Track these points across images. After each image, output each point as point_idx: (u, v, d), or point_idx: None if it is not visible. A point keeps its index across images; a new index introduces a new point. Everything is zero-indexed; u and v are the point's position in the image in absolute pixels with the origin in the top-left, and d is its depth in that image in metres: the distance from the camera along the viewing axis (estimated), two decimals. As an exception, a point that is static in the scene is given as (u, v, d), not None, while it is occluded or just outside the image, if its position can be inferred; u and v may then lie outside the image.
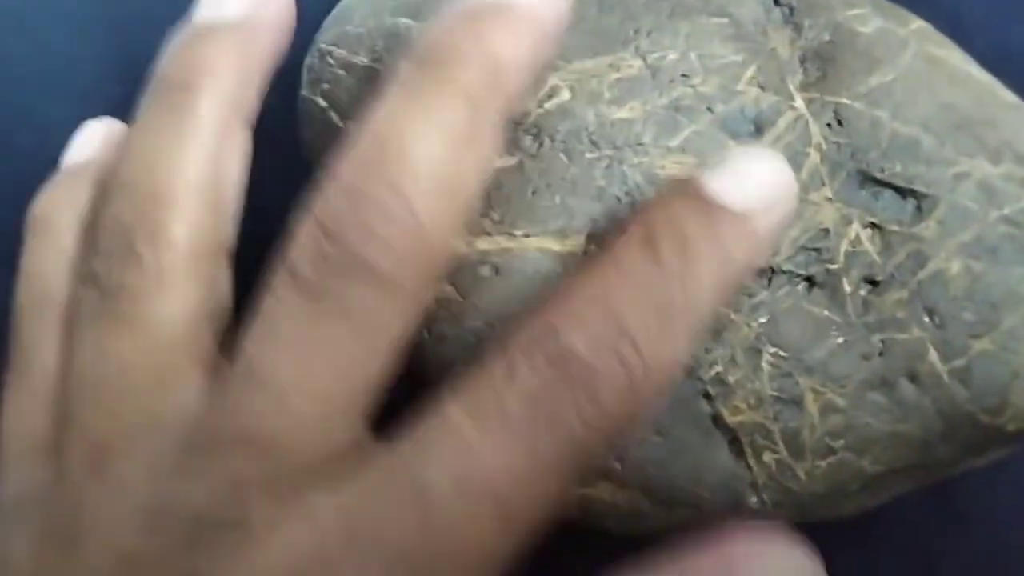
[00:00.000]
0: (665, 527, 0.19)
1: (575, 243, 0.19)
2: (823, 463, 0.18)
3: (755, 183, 0.17)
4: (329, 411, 0.16)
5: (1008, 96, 0.20)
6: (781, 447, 0.18)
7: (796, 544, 0.15)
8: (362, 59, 0.20)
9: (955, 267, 0.18)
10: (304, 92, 0.21)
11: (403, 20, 0.20)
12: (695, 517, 0.19)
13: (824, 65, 0.20)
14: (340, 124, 0.21)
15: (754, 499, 0.18)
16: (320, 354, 0.16)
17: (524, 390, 0.15)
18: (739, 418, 0.18)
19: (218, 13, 0.20)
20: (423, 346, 0.19)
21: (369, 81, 0.20)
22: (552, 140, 0.19)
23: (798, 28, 0.20)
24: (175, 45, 0.20)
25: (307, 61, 0.22)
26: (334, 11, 0.22)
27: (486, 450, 0.15)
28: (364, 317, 0.16)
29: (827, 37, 0.20)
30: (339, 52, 0.21)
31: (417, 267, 0.17)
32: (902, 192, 0.19)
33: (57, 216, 0.20)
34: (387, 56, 0.20)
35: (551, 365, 0.15)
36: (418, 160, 0.16)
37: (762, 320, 0.18)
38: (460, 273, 0.19)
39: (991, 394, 0.18)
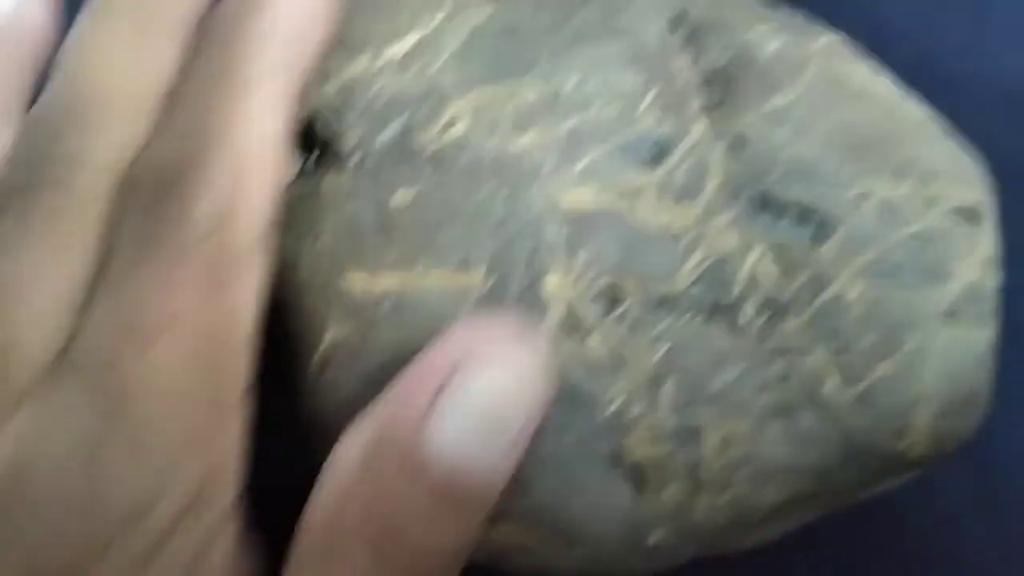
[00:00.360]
0: (573, 566, 0.19)
1: (476, 275, 0.18)
2: (725, 495, 0.18)
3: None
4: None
5: (915, 112, 0.20)
6: (682, 481, 0.18)
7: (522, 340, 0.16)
8: None
9: (855, 290, 0.18)
10: None
11: None
12: (599, 556, 0.18)
13: (726, 87, 0.19)
14: None
15: (655, 534, 0.18)
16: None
17: None
18: (640, 453, 0.18)
19: None
20: (320, 387, 0.19)
21: None
22: (451, 171, 0.19)
23: (700, 49, 0.20)
24: None
25: None
26: None
27: None
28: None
29: (729, 58, 0.20)
30: None
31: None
32: (802, 215, 0.19)
33: None
34: None
35: None
36: None
37: (662, 351, 0.18)
38: (359, 313, 0.19)
39: (893, 419, 0.18)
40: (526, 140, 0.19)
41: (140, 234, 0.17)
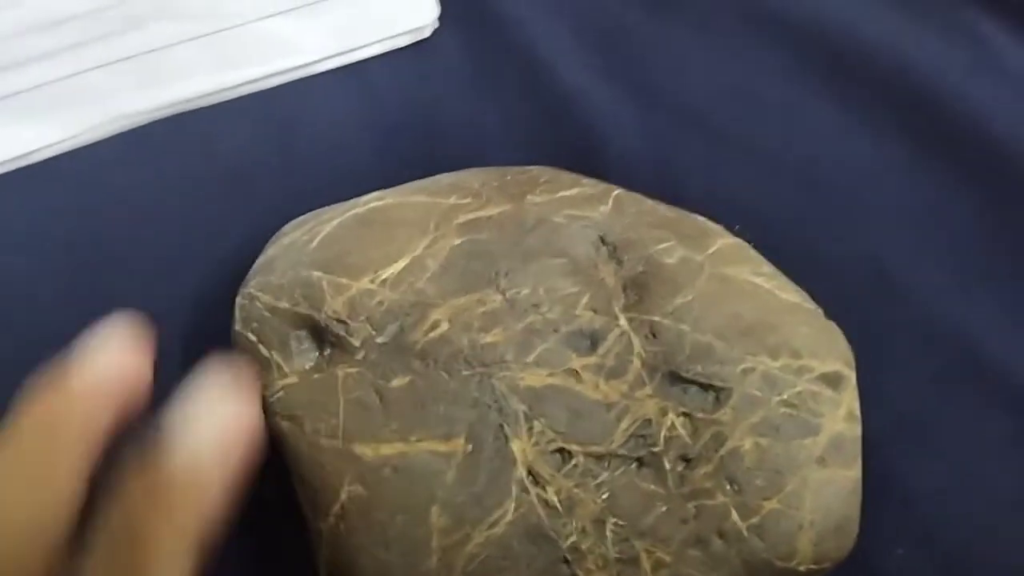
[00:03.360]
0: None
1: (457, 443, 0.24)
2: None
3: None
4: None
5: (789, 300, 0.26)
6: None
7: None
8: (284, 304, 0.26)
9: (747, 443, 0.24)
10: (237, 327, 0.26)
11: (316, 273, 0.26)
12: None
13: (640, 291, 0.26)
14: (267, 354, 0.26)
15: None
16: None
17: None
18: None
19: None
20: (338, 536, 0.24)
21: (291, 322, 0.25)
22: (436, 362, 0.24)
23: (620, 262, 0.26)
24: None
25: (239, 301, 0.27)
26: (259, 260, 0.27)
27: None
28: None
29: (641, 269, 0.26)
30: (265, 298, 0.26)
31: None
32: (704, 387, 0.24)
33: None
34: (303, 303, 0.25)
35: None
36: None
37: (604, 496, 0.23)
38: (367, 475, 0.24)
39: (782, 543, 0.23)
40: (491, 337, 0.25)
41: None
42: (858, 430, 0.25)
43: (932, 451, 0.28)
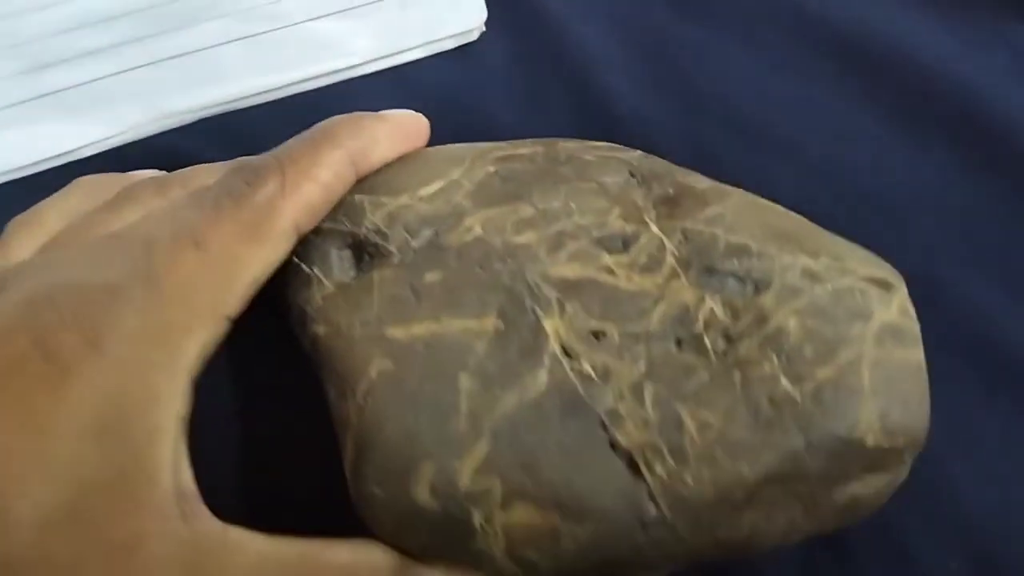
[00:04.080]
0: (583, 543, 0.21)
1: (488, 321, 0.23)
2: (706, 469, 0.21)
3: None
4: None
5: (824, 233, 0.25)
6: (669, 459, 0.21)
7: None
8: (327, 224, 0.25)
9: (792, 323, 0.22)
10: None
11: (358, 196, 0.25)
12: (605, 531, 0.21)
13: (672, 206, 0.25)
14: (309, 271, 0.25)
15: (652, 508, 0.21)
16: None
17: None
18: (631, 439, 0.21)
19: None
20: (364, 411, 0.22)
21: (332, 240, 0.25)
22: (470, 258, 0.24)
23: (649, 188, 0.25)
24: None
25: None
26: None
27: None
28: None
29: (671, 191, 0.25)
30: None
31: None
32: (741, 279, 0.23)
33: None
34: (345, 221, 0.25)
35: None
36: None
37: (642, 367, 0.22)
38: (398, 352, 0.22)
39: (843, 412, 0.21)
40: (524, 238, 0.24)
41: (221, 185, 0.23)
42: (916, 328, 0.23)
43: (986, 465, 0.28)
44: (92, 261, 0.22)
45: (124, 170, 0.32)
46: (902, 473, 0.23)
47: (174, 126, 0.33)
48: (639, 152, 0.27)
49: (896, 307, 0.23)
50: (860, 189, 0.32)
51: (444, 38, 0.34)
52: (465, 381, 0.22)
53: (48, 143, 0.32)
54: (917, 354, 0.23)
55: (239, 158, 0.25)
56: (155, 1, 0.33)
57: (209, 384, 0.22)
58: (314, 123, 0.33)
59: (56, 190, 0.32)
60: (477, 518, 0.21)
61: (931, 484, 0.26)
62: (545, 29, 0.35)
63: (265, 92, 0.33)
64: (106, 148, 0.33)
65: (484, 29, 0.35)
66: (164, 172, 0.28)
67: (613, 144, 0.28)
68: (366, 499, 0.22)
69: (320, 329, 0.24)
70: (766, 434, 0.21)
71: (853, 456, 0.22)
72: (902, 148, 0.33)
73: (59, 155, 0.33)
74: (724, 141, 0.33)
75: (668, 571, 0.23)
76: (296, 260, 0.25)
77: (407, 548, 0.22)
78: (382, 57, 0.34)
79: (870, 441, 0.21)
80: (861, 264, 0.24)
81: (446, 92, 0.34)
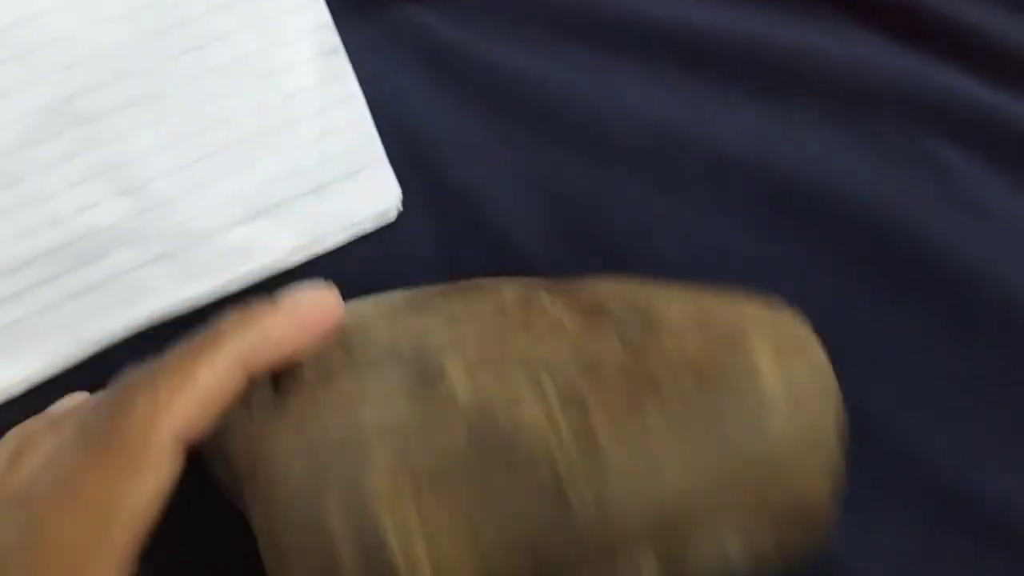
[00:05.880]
0: None
1: None
2: None
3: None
4: None
5: None
6: None
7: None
8: None
9: None
10: None
11: None
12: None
13: None
14: None
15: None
16: None
17: None
18: None
19: None
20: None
21: None
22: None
23: None
24: None
25: None
26: None
27: None
28: None
29: None
30: None
31: None
32: None
33: None
34: None
35: None
36: None
37: None
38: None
39: None
40: None
41: (89, 422, 0.23)
42: None
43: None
44: None
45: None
46: None
47: (97, 352, 0.33)
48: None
49: None
50: None
51: (363, 220, 0.34)
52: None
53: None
54: None
55: (119, 377, 0.25)
56: (62, 241, 0.33)
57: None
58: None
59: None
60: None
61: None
62: (460, 197, 0.35)
63: (188, 304, 0.33)
64: (34, 385, 0.33)
65: (401, 209, 0.35)
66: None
67: None
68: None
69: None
70: None
71: None
72: (826, 279, 0.32)
73: (-5, 395, 0.32)
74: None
75: None
76: None
77: None
78: (302, 254, 0.34)
79: None
80: None
81: (369, 275, 0.34)
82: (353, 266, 0.34)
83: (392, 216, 0.34)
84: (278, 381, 0.25)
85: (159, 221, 0.33)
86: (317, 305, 0.25)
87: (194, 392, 0.23)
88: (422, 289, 0.27)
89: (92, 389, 0.32)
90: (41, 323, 0.32)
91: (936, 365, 0.31)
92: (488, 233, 0.34)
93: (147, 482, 0.22)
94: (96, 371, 0.32)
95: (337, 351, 0.25)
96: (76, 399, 0.31)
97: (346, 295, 0.33)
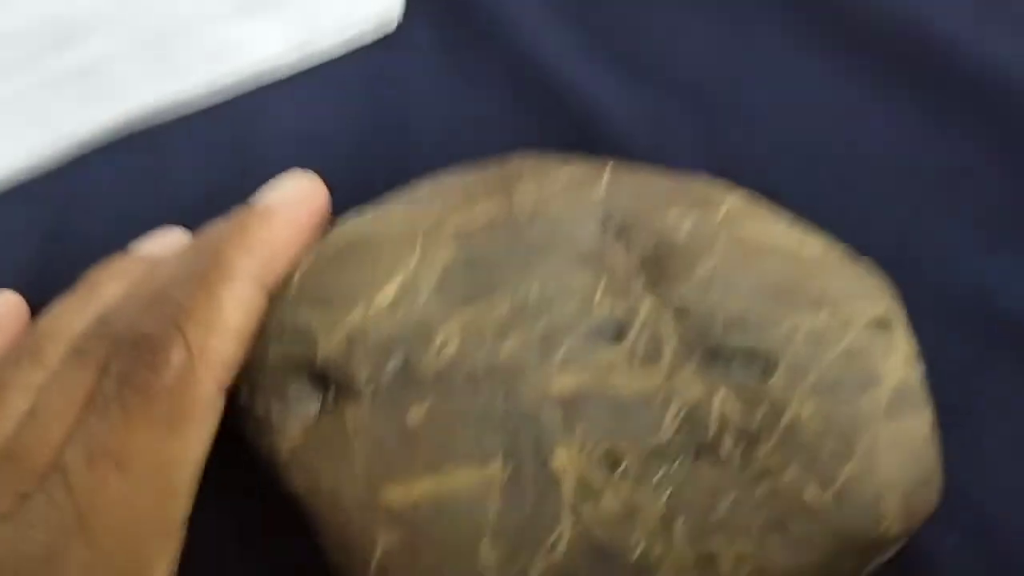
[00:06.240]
0: None
1: (495, 467, 0.21)
2: None
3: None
4: None
5: (815, 249, 0.24)
6: None
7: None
8: (274, 354, 0.23)
9: (808, 409, 0.21)
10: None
11: (303, 312, 0.23)
12: None
13: (657, 269, 0.23)
14: (264, 414, 0.23)
15: None
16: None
17: None
18: None
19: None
20: None
21: (285, 372, 0.23)
22: (453, 384, 0.22)
23: (629, 241, 0.24)
24: None
25: None
26: None
27: None
28: None
29: (653, 245, 0.24)
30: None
31: None
32: (748, 358, 0.22)
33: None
34: (295, 348, 0.23)
35: None
36: None
37: (666, 495, 0.21)
38: (402, 522, 0.21)
39: (869, 508, 0.21)
40: (509, 345, 0.22)
41: (121, 377, 0.21)
42: (920, 370, 0.23)
43: (977, 438, 0.26)
44: (17, 522, 0.20)
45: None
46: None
47: (77, 152, 0.30)
48: (605, 176, 0.25)
49: (900, 357, 0.23)
50: (822, 150, 0.30)
51: (360, 28, 0.32)
52: (487, 552, 0.21)
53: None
54: (926, 418, 0.22)
55: (131, 322, 0.22)
56: (37, 22, 0.30)
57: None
58: (226, 140, 0.30)
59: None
60: None
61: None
62: (467, 6, 0.33)
63: (169, 104, 0.31)
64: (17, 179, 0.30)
65: (403, 17, 0.32)
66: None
67: (573, 167, 0.26)
68: None
69: (298, 482, 0.22)
70: (800, 554, 0.21)
71: (878, 547, 0.22)
72: (865, 102, 0.31)
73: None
74: (672, 110, 0.31)
75: None
76: (247, 405, 0.23)
77: None
78: (293, 55, 0.31)
79: (895, 530, 0.21)
80: (859, 303, 0.23)
81: (369, 89, 0.32)
82: (350, 81, 0.32)
83: (394, 26, 0.32)
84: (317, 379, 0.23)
85: (139, 5, 0.30)
86: (307, 199, 0.25)
87: (226, 332, 0.22)
88: (468, 213, 0.25)
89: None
90: (16, 110, 0.29)
91: (983, 188, 0.29)
92: (500, 44, 0.32)
93: (198, 438, 0.21)
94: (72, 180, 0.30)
95: (397, 362, 0.22)
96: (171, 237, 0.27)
97: (344, 114, 0.31)
